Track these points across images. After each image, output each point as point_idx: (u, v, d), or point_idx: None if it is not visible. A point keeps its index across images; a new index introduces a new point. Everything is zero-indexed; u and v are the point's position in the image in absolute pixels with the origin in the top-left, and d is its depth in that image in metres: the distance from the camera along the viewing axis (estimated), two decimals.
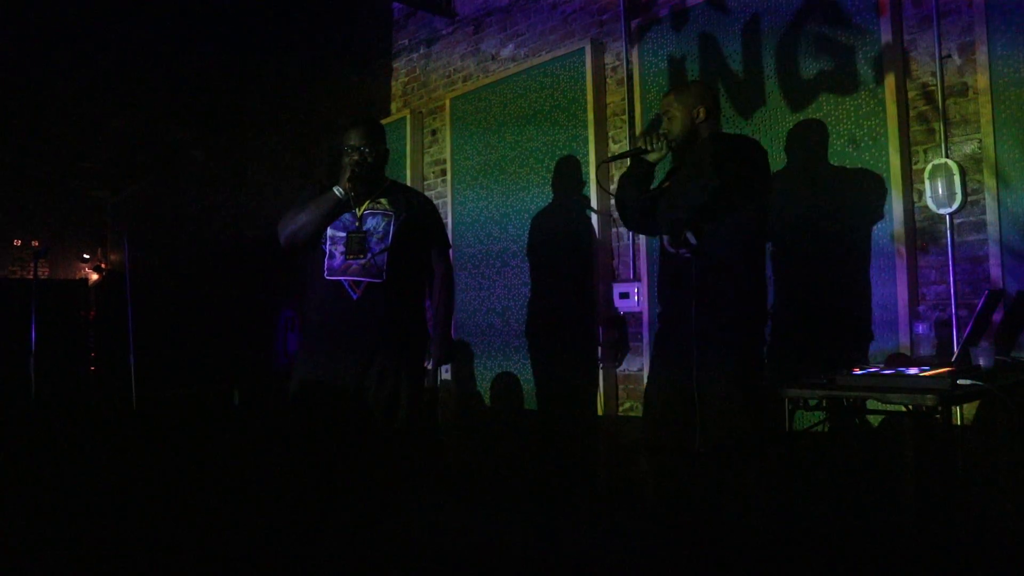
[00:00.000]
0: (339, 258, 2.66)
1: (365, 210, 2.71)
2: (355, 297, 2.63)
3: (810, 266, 3.36)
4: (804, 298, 3.36)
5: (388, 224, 2.68)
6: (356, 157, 2.68)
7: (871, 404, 2.62)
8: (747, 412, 2.58)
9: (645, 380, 3.99)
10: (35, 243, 5.28)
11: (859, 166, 3.27)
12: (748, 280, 2.69)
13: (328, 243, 2.70)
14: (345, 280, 2.66)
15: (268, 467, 3.19)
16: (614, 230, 4.25)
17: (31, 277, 4.73)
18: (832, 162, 3.35)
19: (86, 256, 5.35)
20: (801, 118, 3.46)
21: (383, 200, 2.75)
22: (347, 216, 2.71)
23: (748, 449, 2.54)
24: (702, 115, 2.77)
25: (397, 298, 2.68)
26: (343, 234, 2.68)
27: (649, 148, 2.71)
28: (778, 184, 3.46)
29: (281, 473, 2.80)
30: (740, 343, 2.66)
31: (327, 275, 2.68)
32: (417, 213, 2.81)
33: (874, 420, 3.04)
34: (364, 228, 2.67)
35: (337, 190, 2.64)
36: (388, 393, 2.66)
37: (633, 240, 4.12)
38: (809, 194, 3.38)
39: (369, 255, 2.65)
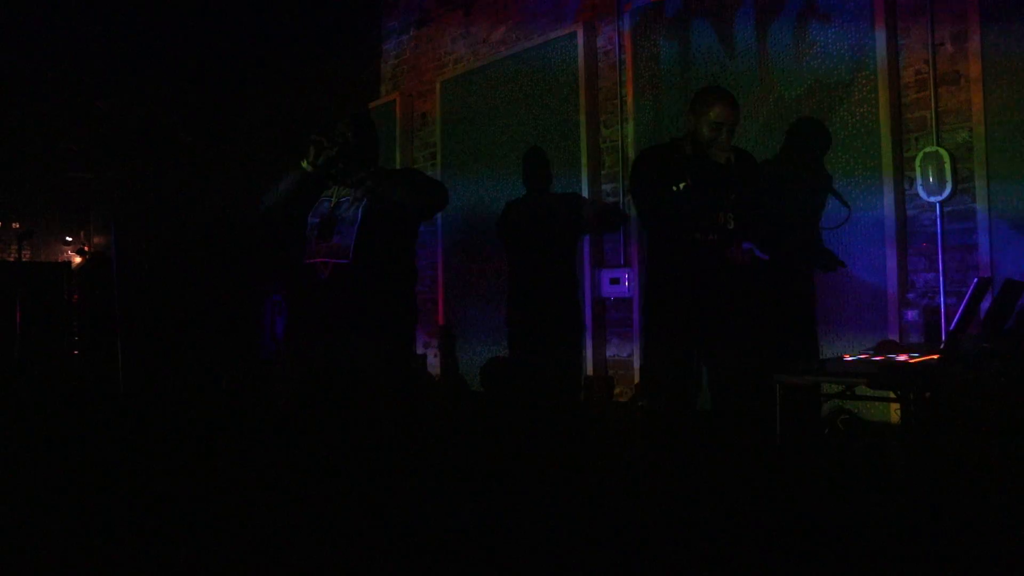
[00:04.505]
0: (313, 242, 2.78)
1: (341, 197, 2.80)
2: (323, 278, 2.70)
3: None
4: (791, 287, 3.38)
5: (357, 208, 2.76)
6: (323, 144, 2.75)
7: (859, 391, 2.64)
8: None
9: (636, 365, 4.01)
10: (16, 225, 5.20)
11: (850, 154, 3.27)
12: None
13: (308, 229, 2.82)
14: (316, 262, 2.76)
15: (260, 456, 3.17)
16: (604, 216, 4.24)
17: (12, 260, 4.67)
18: (823, 149, 3.35)
19: (69, 239, 5.27)
20: (793, 105, 3.46)
21: (360, 188, 2.80)
22: (324, 203, 2.82)
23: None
24: None
25: (366, 280, 2.72)
26: (318, 220, 2.80)
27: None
28: (770, 171, 3.47)
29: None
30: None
31: (305, 259, 2.78)
32: (387, 192, 2.80)
33: (868, 406, 3.07)
34: (336, 214, 2.76)
35: (303, 163, 2.73)
36: (362, 373, 2.73)
37: (624, 225, 4.12)
38: (800, 181, 3.39)
39: (337, 238, 2.72)
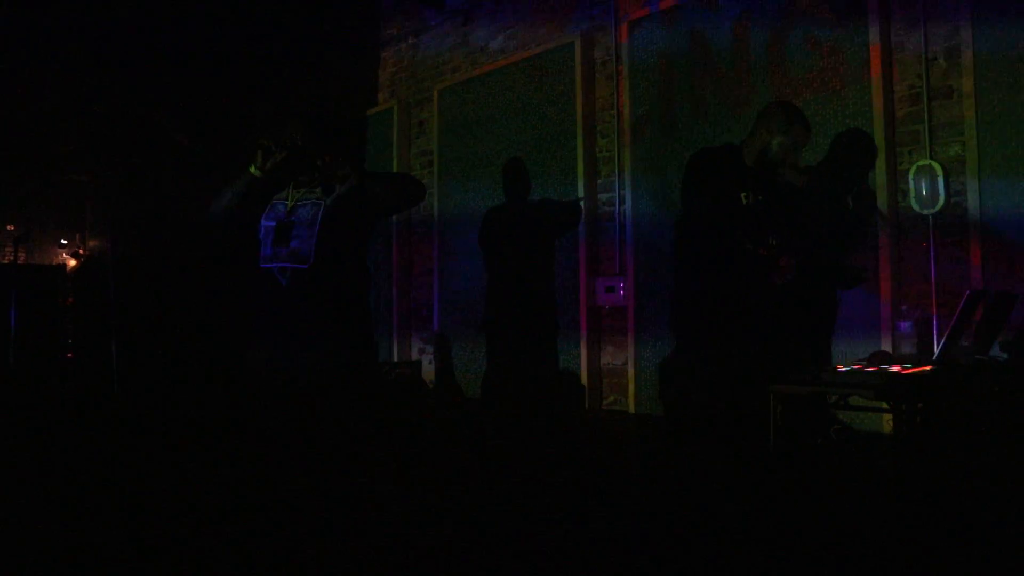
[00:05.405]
0: (269, 248, 2.75)
1: (297, 200, 2.79)
2: (284, 283, 2.70)
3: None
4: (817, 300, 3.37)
5: (317, 211, 2.75)
6: (271, 149, 2.75)
7: (853, 401, 2.67)
8: None
9: (631, 373, 4.03)
10: (10, 228, 5.18)
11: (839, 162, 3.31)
12: None
13: (262, 233, 2.81)
14: (275, 267, 2.74)
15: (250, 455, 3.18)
16: (601, 224, 4.26)
17: (7, 262, 4.66)
18: (814, 160, 3.39)
19: (64, 242, 5.26)
20: None
21: (317, 190, 2.80)
22: (280, 207, 2.80)
23: None
24: None
25: (327, 283, 2.72)
26: (273, 224, 2.77)
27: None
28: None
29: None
30: None
31: (261, 264, 2.80)
32: (348, 190, 2.80)
33: (860, 416, 3.09)
34: (293, 218, 2.75)
35: (251, 168, 2.72)
36: (325, 377, 2.73)
37: (619, 234, 4.14)
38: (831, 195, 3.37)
39: (296, 242, 2.71)
